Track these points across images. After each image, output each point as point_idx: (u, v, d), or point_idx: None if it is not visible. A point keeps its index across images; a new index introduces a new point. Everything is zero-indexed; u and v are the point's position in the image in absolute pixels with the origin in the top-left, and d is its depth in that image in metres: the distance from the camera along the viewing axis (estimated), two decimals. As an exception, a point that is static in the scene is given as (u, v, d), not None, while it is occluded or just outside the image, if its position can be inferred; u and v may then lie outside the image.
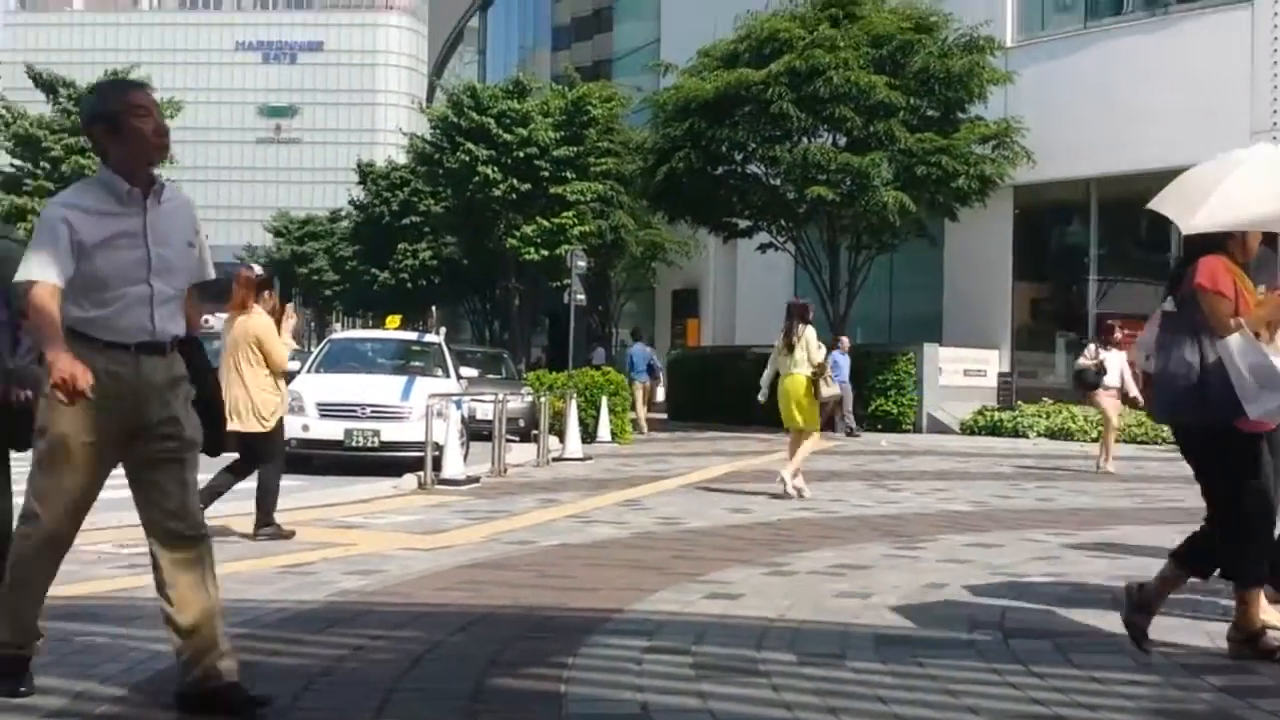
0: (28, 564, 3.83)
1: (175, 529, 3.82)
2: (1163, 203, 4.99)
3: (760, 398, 11.51)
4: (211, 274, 4.08)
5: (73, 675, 4.12)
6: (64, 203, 3.79)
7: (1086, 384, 14.09)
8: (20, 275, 3.69)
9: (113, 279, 3.73)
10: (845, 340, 21.79)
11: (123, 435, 3.77)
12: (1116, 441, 14.86)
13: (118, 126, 3.79)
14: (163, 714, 3.75)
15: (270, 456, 7.98)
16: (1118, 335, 14.47)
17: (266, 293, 8.11)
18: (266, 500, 7.82)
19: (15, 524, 3.92)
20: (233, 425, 6.75)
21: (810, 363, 10.90)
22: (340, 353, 15.72)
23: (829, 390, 11.14)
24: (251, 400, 7.77)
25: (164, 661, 4.27)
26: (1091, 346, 14.44)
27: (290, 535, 7.73)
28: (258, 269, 8.48)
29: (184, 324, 3.93)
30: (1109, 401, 14.07)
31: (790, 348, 10.96)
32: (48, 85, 34.59)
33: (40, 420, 3.76)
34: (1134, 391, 14.37)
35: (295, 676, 4.19)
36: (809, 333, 11.00)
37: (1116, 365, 14.01)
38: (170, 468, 3.83)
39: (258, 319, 7.96)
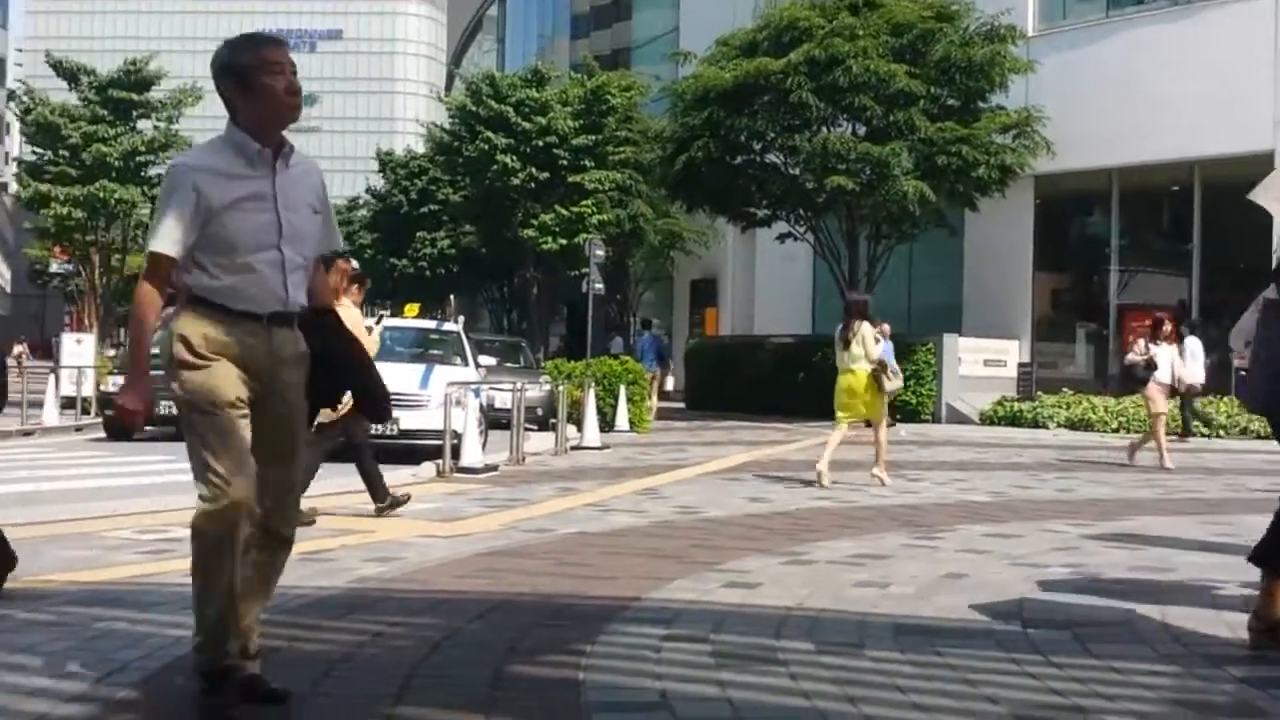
0: (210, 557, 3.49)
1: (267, 528, 3.64)
2: (1261, 193, 4.90)
3: None
4: (339, 243, 3.95)
5: (92, 660, 4.14)
6: (192, 164, 3.61)
7: (1136, 379, 14.02)
8: (149, 244, 3.54)
9: (242, 244, 3.54)
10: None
11: (250, 402, 3.59)
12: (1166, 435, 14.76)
13: (248, 83, 3.60)
14: (181, 701, 3.76)
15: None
16: (1167, 329, 14.35)
17: (355, 287, 8.40)
18: None
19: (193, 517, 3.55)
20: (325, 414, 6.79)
21: (868, 359, 11.02)
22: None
23: (892, 384, 11.31)
24: None
25: (184, 647, 4.28)
26: (1141, 342, 14.33)
27: (311, 522, 7.75)
28: (354, 263, 8.73)
29: (306, 295, 3.71)
30: (1158, 396, 13.98)
31: (847, 344, 11.07)
32: (69, 73, 34.67)
33: (176, 391, 3.51)
34: (1189, 379, 14.29)
35: (315, 662, 4.20)
36: (865, 328, 11.08)
37: (1167, 360, 13.92)
38: (277, 460, 3.64)
39: (348, 310, 8.06)
